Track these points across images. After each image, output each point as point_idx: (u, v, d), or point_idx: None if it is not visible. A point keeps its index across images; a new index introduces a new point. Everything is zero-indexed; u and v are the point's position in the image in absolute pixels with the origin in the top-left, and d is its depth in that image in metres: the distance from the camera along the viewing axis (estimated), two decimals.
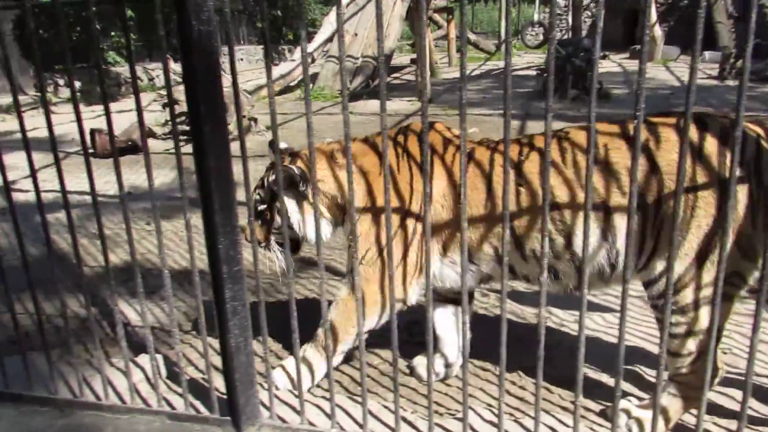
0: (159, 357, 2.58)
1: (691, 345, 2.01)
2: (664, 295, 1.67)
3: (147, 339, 2.08)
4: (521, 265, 2.24)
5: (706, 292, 1.92)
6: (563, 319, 3.17)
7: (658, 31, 19.97)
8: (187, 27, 1.60)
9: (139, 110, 1.89)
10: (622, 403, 2.23)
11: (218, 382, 2.09)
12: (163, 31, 1.72)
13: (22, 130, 2.00)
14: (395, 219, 2.23)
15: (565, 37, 19.83)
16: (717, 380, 2.26)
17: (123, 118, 8.32)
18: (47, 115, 1.98)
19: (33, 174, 2.03)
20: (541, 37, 22.92)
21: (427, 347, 1.80)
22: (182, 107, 1.92)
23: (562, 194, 2.07)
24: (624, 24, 25.16)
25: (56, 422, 2.14)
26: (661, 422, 2.06)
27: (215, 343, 2.04)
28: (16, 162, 5.43)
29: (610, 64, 18.70)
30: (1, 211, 5.26)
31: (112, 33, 14.42)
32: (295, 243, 2.48)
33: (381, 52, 1.65)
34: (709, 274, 1.91)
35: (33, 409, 2.21)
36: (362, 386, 1.94)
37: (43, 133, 2.01)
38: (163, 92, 9.07)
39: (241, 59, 19.75)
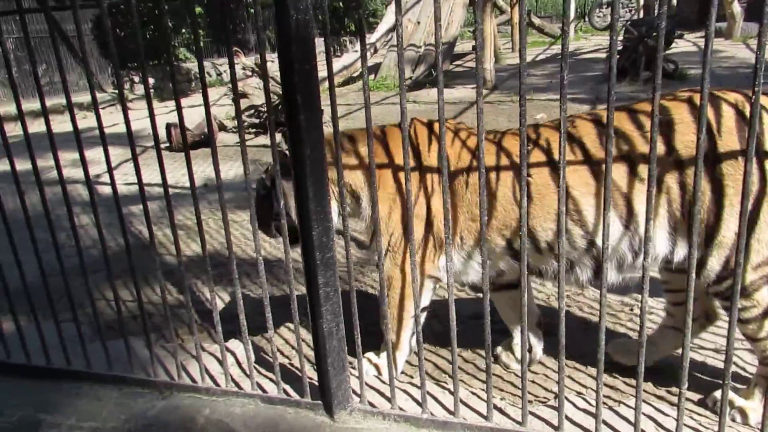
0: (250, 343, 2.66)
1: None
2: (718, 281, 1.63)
3: (242, 325, 2.13)
4: (535, 258, 2.14)
5: (764, 270, 1.84)
6: (651, 306, 3.05)
7: (737, 7, 18.77)
8: (285, 17, 1.62)
9: (206, 104, 1.94)
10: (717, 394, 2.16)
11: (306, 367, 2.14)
12: (259, 23, 1.75)
13: (100, 126, 2.10)
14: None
15: (635, 17, 19.00)
16: None
17: (195, 113, 8.60)
18: (125, 112, 2.06)
19: (110, 169, 2.12)
20: (609, 19, 22.05)
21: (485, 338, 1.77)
22: (250, 101, 1.94)
23: (575, 183, 1.98)
24: (699, 1, 23.83)
25: (157, 404, 2.24)
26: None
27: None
28: (98, 157, 5.73)
29: (685, 44, 17.78)
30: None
31: (183, 30, 14.89)
32: (293, 230, 2.41)
33: (438, 40, 1.59)
34: (759, 253, 1.83)
35: (134, 391, 2.32)
36: (453, 373, 1.92)
37: (122, 128, 2.09)
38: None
39: None
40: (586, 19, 22.64)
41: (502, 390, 2.45)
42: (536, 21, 21.44)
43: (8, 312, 2.53)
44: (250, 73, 8.68)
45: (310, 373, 2.46)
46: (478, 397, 2.11)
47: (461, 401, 2.05)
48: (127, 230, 2.23)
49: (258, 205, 2.41)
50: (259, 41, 1.86)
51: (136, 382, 2.33)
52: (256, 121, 8.63)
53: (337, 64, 14.11)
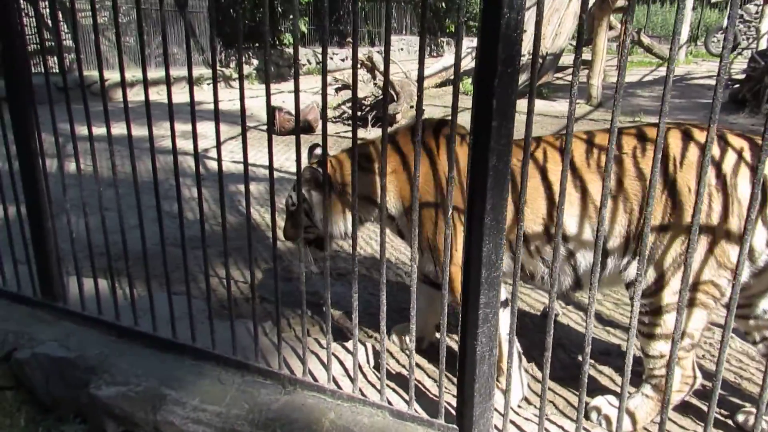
0: (368, 346, 2.57)
1: (662, 347, 2.06)
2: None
3: (382, 332, 2.03)
4: (527, 261, 2.28)
5: (676, 297, 1.92)
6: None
7: None
8: (495, 14, 1.49)
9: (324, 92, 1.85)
10: (597, 400, 2.30)
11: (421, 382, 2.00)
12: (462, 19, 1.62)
13: (216, 105, 2.07)
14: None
15: (753, 45, 17.74)
16: (691, 389, 2.19)
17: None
18: (242, 92, 2.03)
19: (219, 148, 2.07)
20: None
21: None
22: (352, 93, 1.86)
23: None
24: None
25: (280, 398, 2.18)
26: (629, 422, 2.16)
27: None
28: (205, 131, 5.85)
29: None
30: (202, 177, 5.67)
31: (291, 16, 15.20)
32: (319, 241, 2.64)
33: (536, 50, 1.41)
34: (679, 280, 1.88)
35: (256, 380, 2.27)
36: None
37: (226, 106, 2.04)
38: (338, 75, 9.34)
39: (401, 49, 19.98)
40: (698, 42, 21.39)
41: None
42: (645, 40, 20.47)
43: (128, 277, 2.55)
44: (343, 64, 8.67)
45: (434, 389, 2.35)
46: None
47: None
48: (243, 209, 2.18)
49: (288, 218, 2.74)
50: (388, 36, 1.72)
51: (258, 371, 2.28)
52: (358, 113, 8.62)
53: (437, 64, 13.97)
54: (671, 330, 1.90)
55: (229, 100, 11.12)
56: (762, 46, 15.44)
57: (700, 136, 2.01)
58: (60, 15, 8.70)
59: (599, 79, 11.75)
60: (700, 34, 23.33)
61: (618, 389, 2.48)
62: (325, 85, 1.91)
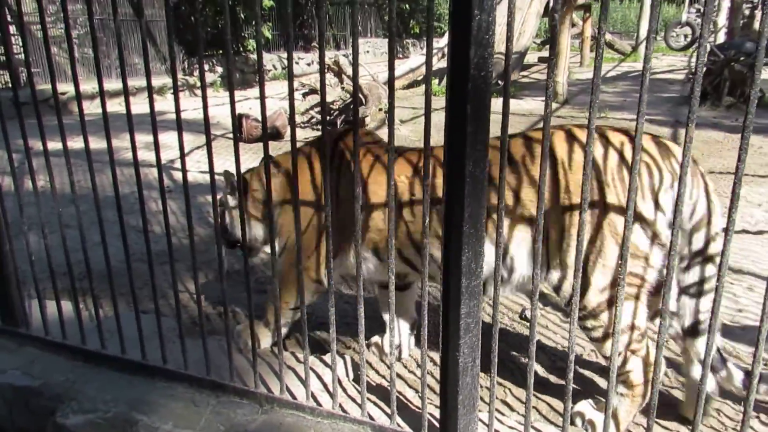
0: (347, 359, 2.51)
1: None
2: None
3: (361, 344, 1.97)
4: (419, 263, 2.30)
5: (602, 295, 2.00)
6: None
7: None
8: (465, 16, 1.45)
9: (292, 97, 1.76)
10: (581, 405, 2.29)
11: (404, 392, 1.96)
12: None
13: (178, 114, 2.01)
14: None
15: (711, 40, 18.23)
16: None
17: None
18: (204, 100, 1.97)
19: (182, 157, 2.00)
20: (682, 40, 21.23)
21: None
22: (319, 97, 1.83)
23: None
24: None
25: (257, 417, 2.10)
26: (612, 425, 2.10)
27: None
28: (169, 141, 5.70)
29: None
30: (167, 189, 5.53)
31: (254, 22, 15.02)
32: (234, 243, 2.85)
33: (509, 51, 1.39)
34: (603, 278, 1.99)
35: (232, 400, 2.19)
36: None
37: (192, 115, 1.99)
38: (305, 80, 9.25)
39: (367, 51, 19.95)
40: (658, 37, 21.87)
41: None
42: (606, 37, 20.88)
43: (93, 297, 2.45)
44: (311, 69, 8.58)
45: (416, 400, 2.30)
46: None
47: None
48: (212, 221, 2.10)
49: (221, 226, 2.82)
50: (353, 36, 1.68)
51: (234, 391, 2.20)
52: (327, 118, 8.54)
53: (404, 66, 13.97)
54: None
55: (194, 108, 10.88)
56: (720, 39, 15.84)
57: (581, 135, 2.08)
58: (12, 28, 8.41)
59: (564, 76, 11.89)
60: (659, 29, 23.82)
61: (597, 391, 2.47)
62: (291, 90, 1.85)
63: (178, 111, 2.00)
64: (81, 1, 12.25)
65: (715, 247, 2.02)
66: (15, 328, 2.61)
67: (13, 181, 2.43)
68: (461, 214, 1.60)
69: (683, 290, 2.11)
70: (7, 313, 2.63)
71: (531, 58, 20.96)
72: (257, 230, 2.73)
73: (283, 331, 2.72)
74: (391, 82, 1.68)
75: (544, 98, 1.52)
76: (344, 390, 2.25)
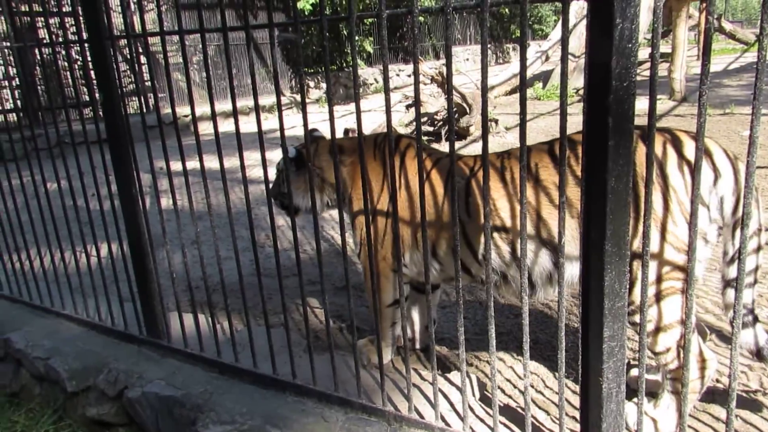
0: (473, 378, 2.46)
1: (664, 340, 2.01)
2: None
3: (493, 363, 1.92)
4: (476, 268, 2.39)
5: (653, 289, 1.96)
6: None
7: None
8: (607, 25, 1.37)
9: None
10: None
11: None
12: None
13: (281, 130, 2.13)
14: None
15: None
16: (712, 372, 2.09)
17: (365, 119, 8.75)
18: (305, 116, 2.11)
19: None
20: None
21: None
22: (423, 108, 1.85)
23: (503, 206, 2.23)
24: None
25: None
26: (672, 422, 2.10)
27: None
28: (275, 158, 5.93)
29: None
30: None
31: (356, 38, 15.43)
32: (294, 209, 2.78)
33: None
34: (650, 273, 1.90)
35: (360, 417, 2.22)
36: None
37: (299, 131, 2.05)
38: (407, 92, 9.33)
39: (467, 59, 19.82)
40: None
41: None
42: (726, 26, 19.34)
43: (227, 311, 2.57)
44: (428, 82, 8.62)
45: (548, 423, 2.21)
46: None
47: None
48: (328, 236, 2.13)
49: (273, 182, 2.92)
50: (446, 52, 1.62)
51: (362, 408, 2.23)
52: (430, 129, 8.56)
53: (506, 72, 13.73)
54: (665, 321, 1.98)
55: (302, 125, 11.36)
56: None
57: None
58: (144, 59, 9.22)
59: (681, 72, 11.12)
60: None
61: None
62: (388, 103, 1.88)
63: (282, 129, 2.07)
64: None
65: (755, 242, 2.03)
66: (159, 340, 2.81)
67: (157, 198, 2.62)
68: (602, 233, 1.52)
69: (728, 283, 2.10)
70: (151, 326, 2.84)
71: (642, 54, 19.87)
72: (304, 201, 2.82)
73: (397, 331, 2.75)
74: (484, 92, 1.71)
75: (660, 97, 1.42)
76: (472, 410, 2.20)
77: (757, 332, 2.07)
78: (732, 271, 2.05)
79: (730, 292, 2.08)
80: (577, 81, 12.20)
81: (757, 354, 2.07)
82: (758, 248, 2.05)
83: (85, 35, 2.54)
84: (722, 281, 2.13)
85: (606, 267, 1.54)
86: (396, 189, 2.45)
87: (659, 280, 1.96)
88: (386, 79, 1.88)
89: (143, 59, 10.08)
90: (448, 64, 1.77)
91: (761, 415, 2.26)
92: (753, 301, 2.09)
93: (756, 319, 2.10)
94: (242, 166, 2.26)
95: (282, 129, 2.16)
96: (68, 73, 8.31)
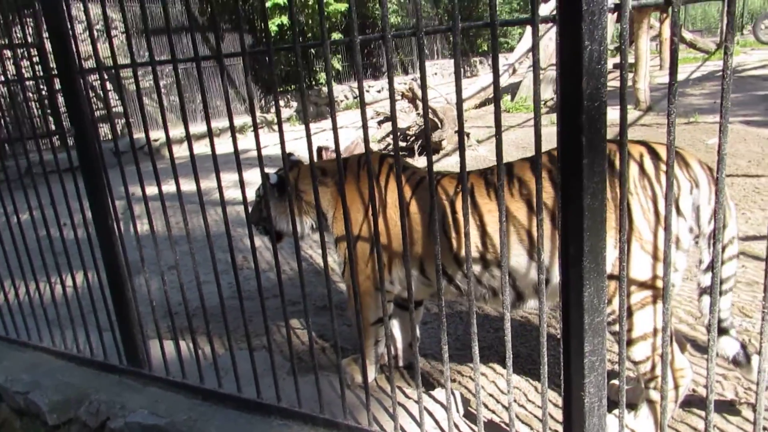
0: (457, 393, 2.48)
1: (643, 349, 2.07)
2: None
3: (477, 380, 1.94)
4: (464, 282, 2.40)
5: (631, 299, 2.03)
6: None
7: None
8: (576, 47, 1.42)
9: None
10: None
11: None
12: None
13: (259, 152, 2.10)
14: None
15: None
16: (688, 381, 2.16)
17: (339, 135, 8.80)
18: (281, 138, 2.09)
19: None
20: None
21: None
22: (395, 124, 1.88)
23: (490, 221, 2.27)
24: None
25: None
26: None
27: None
28: (254, 179, 5.92)
29: None
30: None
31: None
32: (277, 234, 2.90)
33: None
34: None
35: None
36: None
37: (272, 150, 2.05)
38: (379, 109, 9.40)
39: (435, 73, 20.05)
40: (744, 32, 20.66)
41: None
42: (687, 36, 19.94)
43: (208, 336, 2.55)
44: (398, 98, 8.70)
45: None
46: None
47: None
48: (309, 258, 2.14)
49: (253, 208, 2.94)
50: (421, 75, 1.66)
51: (348, 429, 2.22)
52: (403, 144, 8.62)
53: (474, 85, 13.92)
54: (644, 330, 2.05)
55: (274, 144, 11.33)
56: None
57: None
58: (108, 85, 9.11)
59: (645, 82, 11.42)
60: (745, 23, 22.53)
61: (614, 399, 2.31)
62: (365, 123, 1.91)
63: (259, 149, 2.09)
64: (167, 54, 13.11)
65: (731, 250, 2.11)
66: (139, 369, 2.77)
67: (133, 224, 2.57)
68: (580, 249, 1.56)
69: (703, 291, 2.16)
70: (131, 354, 2.79)
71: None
72: (286, 225, 2.82)
73: (381, 349, 2.75)
74: (460, 115, 1.76)
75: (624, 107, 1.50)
76: (456, 426, 2.22)
77: (732, 339, 2.14)
78: (707, 279, 2.12)
79: (706, 299, 2.14)
80: (544, 93, 12.43)
81: (733, 361, 2.13)
82: (733, 256, 2.12)
83: (54, 71, 2.55)
84: (698, 289, 2.19)
85: (585, 283, 1.58)
86: (382, 208, 2.49)
87: (636, 290, 2.02)
88: (362, 103, 1.92)
89: (111, 86, 9.98)
90: (423, 86, 1.81)
91: (736, 422, 2.33)
92: (728, 308, 2.16)
93: (731, 326, 2.16)
94: (219, 188, 2.25)
95: (260, 151, 2.17)
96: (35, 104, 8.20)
